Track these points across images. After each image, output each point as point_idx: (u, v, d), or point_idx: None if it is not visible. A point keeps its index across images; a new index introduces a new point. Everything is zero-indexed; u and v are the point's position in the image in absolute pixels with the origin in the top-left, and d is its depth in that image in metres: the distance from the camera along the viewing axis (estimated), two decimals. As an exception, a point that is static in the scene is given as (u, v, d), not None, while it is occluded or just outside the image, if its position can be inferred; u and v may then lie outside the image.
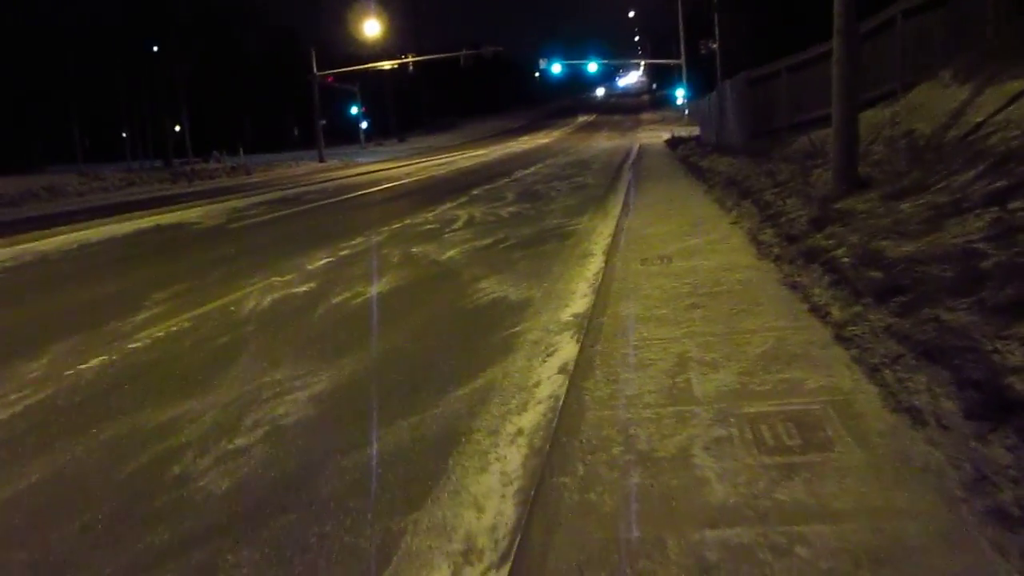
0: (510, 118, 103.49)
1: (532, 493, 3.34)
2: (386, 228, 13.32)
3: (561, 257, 9.56)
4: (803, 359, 4.53)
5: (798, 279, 6.36)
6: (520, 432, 4.14)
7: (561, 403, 4.34)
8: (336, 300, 7.89)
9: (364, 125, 77.64)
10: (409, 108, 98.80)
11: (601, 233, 11.23)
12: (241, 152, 59.78)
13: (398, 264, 9.81)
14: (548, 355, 5.54)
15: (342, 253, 10.89)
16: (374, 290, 8.25)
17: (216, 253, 11.93)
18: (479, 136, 75.26)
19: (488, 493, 3.49)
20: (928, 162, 7.80)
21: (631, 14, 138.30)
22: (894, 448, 3.34)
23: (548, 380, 4.96)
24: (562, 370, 5.07)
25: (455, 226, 13.13)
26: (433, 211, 15.62)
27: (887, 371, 4.06)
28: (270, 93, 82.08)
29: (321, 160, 52.76)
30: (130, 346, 6.51)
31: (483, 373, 5.23)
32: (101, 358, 6.17)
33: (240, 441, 4.33)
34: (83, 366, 5.98)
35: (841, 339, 4.75)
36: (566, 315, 6.64)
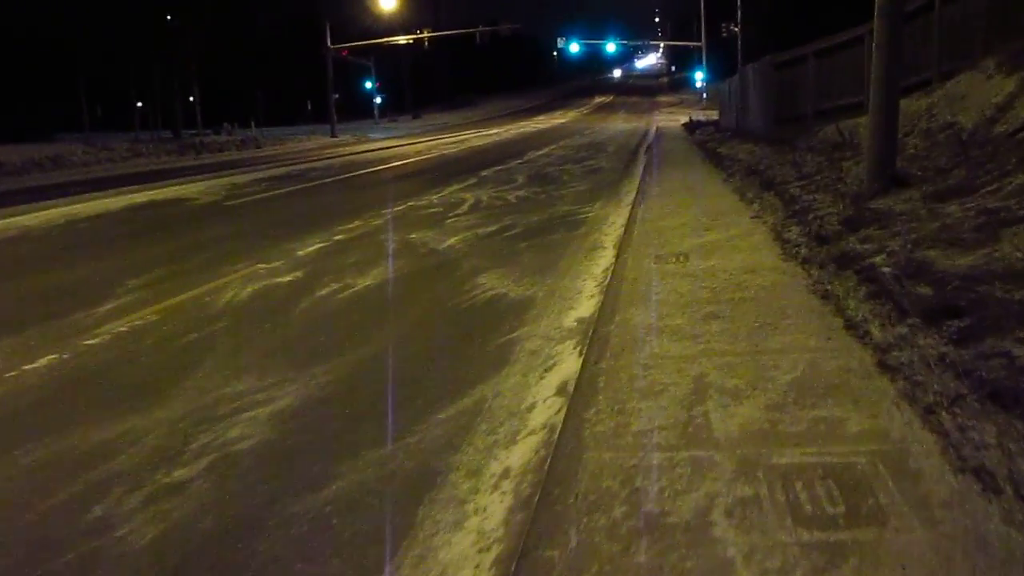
0: (527, 97, 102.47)
1: (512, 569, 2.69)
2: (387, 210, 12.67)
3: (569, 249, 8.90)
4: (842, 391, 3.87)
5: (830, 287, 5.68)
6: (506, 474, 3.50)
7: (556, 437, 3.69)
8: (321, 293, 7.25)
9: (378, 100, 76.88)
10: (425, 85, 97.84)
11: (613, 223, 10.56)
12: (253, 125, 59.24)
13: (394, 253, 9.17)
14: (547, 370, 4.90)
15: (337, 238, 10.26)
16: (364, 283, 7.61)
17: (205, 234, 11.30)
18: (495, 114, 74.39)
19: (459, 563, 2.85)
20: (974, 160, 7.10)
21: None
22: (964, 526, 2.68)
23: (544, 403, 4.31)
24: (561, 391, 4.43)
25: (460, 210, 12.47)
26: (439, 193, 14.95)
27: (945, 415, 3.39)
28: (285, 66, 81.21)
29: (333, 135, 52.09)
30: (86, 343, 5.89)
31: (471, 391, 4.59)
32: (51, 357, 5.54)
33: (180, 473, 3.70)
34: (29, 366, 5.36)
35: (885, 367, 4.07)
36: (570, 320, 5.99)
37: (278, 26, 77.79)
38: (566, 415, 3.92)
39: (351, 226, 11.16)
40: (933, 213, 6.02)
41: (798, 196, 9.12)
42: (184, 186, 19.03)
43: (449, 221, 11.41)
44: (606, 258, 8.22)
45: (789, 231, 7.85)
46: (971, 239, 5.07)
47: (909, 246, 5.39)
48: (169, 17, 61.21)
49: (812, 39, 17.62)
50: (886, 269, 5.25)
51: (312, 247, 9.61)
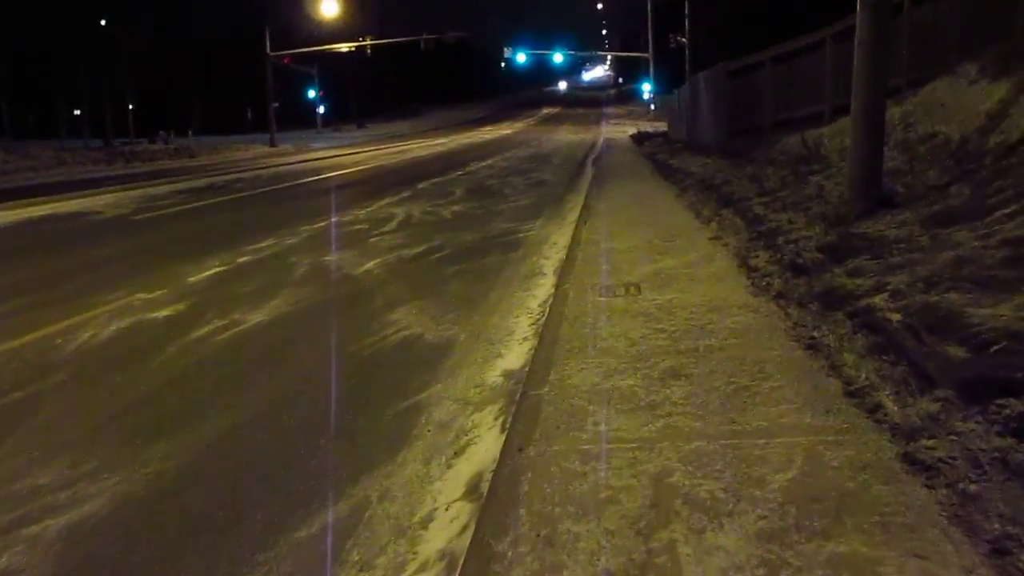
0: (474, 108, 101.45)
1: None
2: (307, 227, 11.38)
3: (503, 277, 7.72)
4: (863, 506, 2.72)
5: (817, 334, 4.56)
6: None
7: (454, 584, 2.49)
8: (198, 334, 5.97)
9: (321, 109, 75.18)
10: (372, 94, 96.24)
11: (555, 244, 9.42)
12: (189, 134, 57.33)
13: (301, 279, 7.90)
14: (456, 453, 3.72)
15: (241, 260, 8.97)
16: (254, 320, 6.33)
17: (93, 254, 9.93)
18: (441, 125, 73.11)
19: None
20: (974, 176, 6.05)
21: (599, 5, 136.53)
22: None
23: (445, 514, 3.13)
24: (471, 491, 3.27)
25: (387, 227, 11.23)
26: (368, 207, 13.70)
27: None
28: (226, 74, 79.21)
29: (272, 144, 50.39)
30: None
31: (351, 489, 3.38)
32: None
33: None
34: None
35: (916, 465, 2.94)
36: (495, 374, 4.81)
37: (219, 32, 75.78)
38: (470, 544, 2.72)
39: (261, 245, 9.86)
40: (939, 241, 4.94)
41: (763, 216, 8.04)
42: (95, 198, 17.52)
43: (373, 240, 10.17)
44: (544, 288, 7.06)
45: (756, 257, 6.76)
46: (1003, 278, 3.97)
47: (920, 285, 4.27)
48: (104, 22, 59.19)
49: (761, 48, 16.69)
50: (894, 315, 4.14)
51: (208, 271, 8.32)
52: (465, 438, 3.87)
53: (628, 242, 8.49)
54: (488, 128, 60.56)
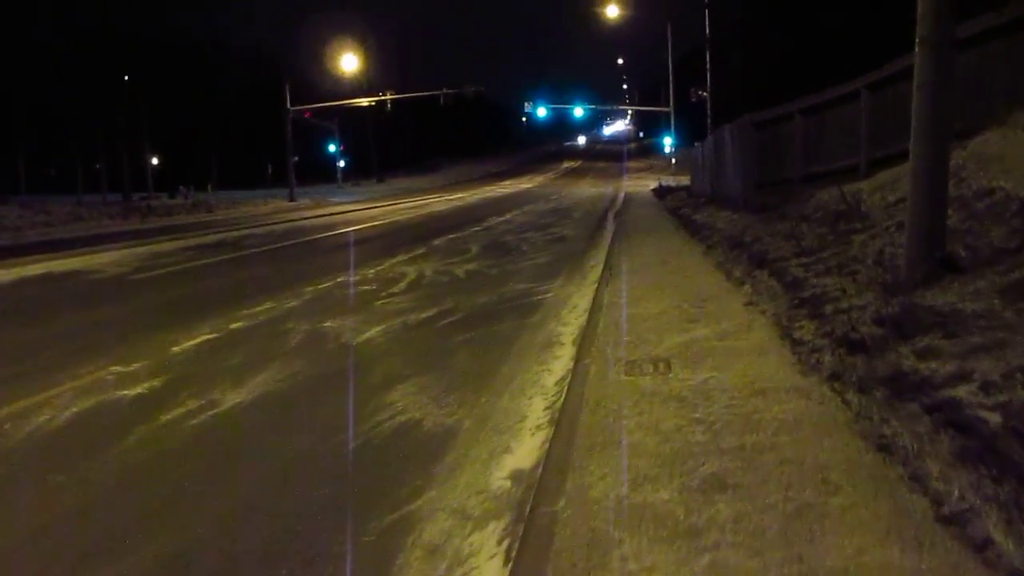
0: (495, 162, 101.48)
1: None
2: (310, 288, 10.70)
3: (516, 347, 6.97)
4: None
5: (888, 431, 3.79)
6: None
7: None
8: (168, 418, 5.24)
9: (342, 164, 75.25)
10: (392, 148, 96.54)
11: (575, 307, 8.69)
12: (209, 188, 57.38)
13: (295, 349, 7.19)
14: (448, 595, 2.94)
15: (235, 325, 8.28)
16: (233, 401, 5.60)
17: (78, 320, 9.26)
18: (462, 179, 72.93)
19: None
20: (1054, 237, 5.28)
21: (620, 61, 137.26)
22: None
23: None
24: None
25: (396, 288, 10.54)
26: (379, 265, 13.03)
27: None
28: (247, 129, 79.66)
29: (291, 199, 50.21)
30: None
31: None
32: None
33: None
34: None
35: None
36: (500, 478, 4.04)
37: (240, 87, 76.31)
38: None
39: (258, 309, 9.18)
40: (1028, 318, 4.16)
41: (803, 279, 7.28)
42: (100, 255, 16.97)
43: (379, 303, 9.47)
44: (562, 362, 6.30)
45: (800, 328, 5.99)
46: None
47: (1020, 376, 3.49)
48: (126, 77, 59.63)
49: (788, 100, 16.03)
50: (990, 415, 3.36)
51: (196, 339, 7.63)
52: (459, 570, 3.10)
53: (654, 307, 7.75)
54: (508, 182, 60.23)
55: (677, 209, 22.08)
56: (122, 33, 55.33)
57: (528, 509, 3.45)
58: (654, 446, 3.96)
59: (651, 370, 5.48)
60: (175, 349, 7.26)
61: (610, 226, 19.43)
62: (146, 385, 6.05)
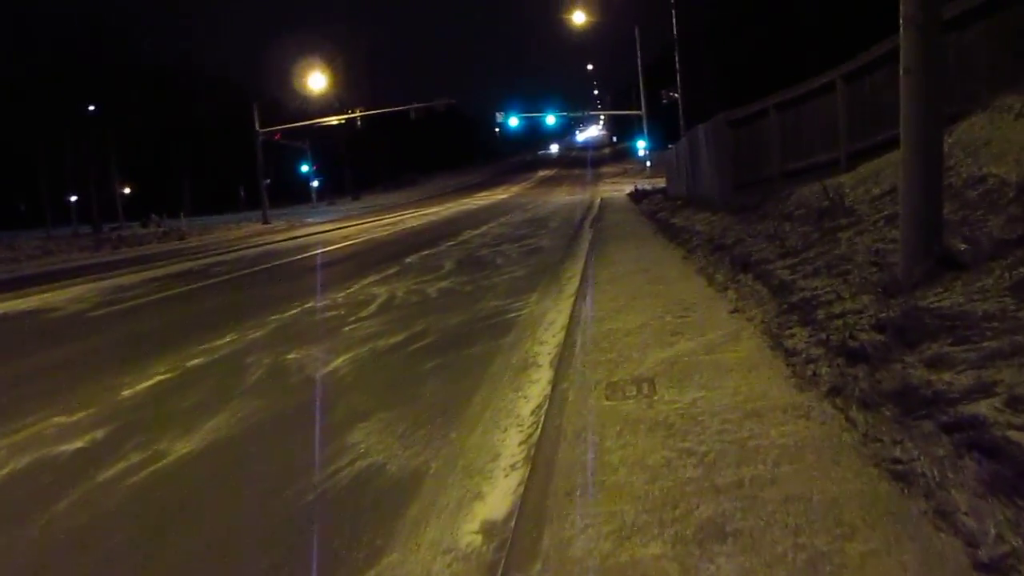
0: (470, 174, 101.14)
1: None
2: (276, 317, 10.22)
3: (490, 372, 6.52)
4: None
5: (902, 456, 3.36)
6: None
7: None
8: (104, 477, 4.76)
9: (315, 183, 74.70)
10: (366, 166, 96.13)
11: (552, 324, 8.26)
12: (181, 215, 56.67)
13: (252, 388, 6.71)
14: None
15: (191, 363, 7.80)
16: (182, 450, 5.13)
17: (26, 364, 8.74)
18: (437, 193, 72.43)
19: None
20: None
21: (589, 67, 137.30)
22: None
23: None
24: None
25: (366, 312, 10.07)
26: (350, 288, 12.55)
27: None
28: (218, 153, 78.93)
29: (265, 221, 49.65)
30: None
31: None
32: None
33: None
34: None
35: None
36: (470, 532, 3.59)
37: (210, 112, 75.61)
38: None
39: (219, 343, 8.69)
40: (1046, 319, 3.74)
41: (791, 282, 6.86)
42: (61, 291, 16.40)
43: (347, 329, 9.01)
44: (539, 387, 5.86)
45: (792, 336, 5.56)
46: None
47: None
48: (92, 107, 58.92)
49: (762, 97, 15.67)
50: (1021, 436, 2.93)
51: (148, 381, 7.14)
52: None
53: (635, 319, 7.31)
54: (484, 194, 59.81)
55: (654, 213, 21.71)
56: (86, 61, 54.61)
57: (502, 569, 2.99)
58: (641, 486, 3.51)
59: (634, 393, 5.03)
60: (125, 393, 6.77)
61: (587, 234, 19.02)
62: (88, 437, 5.56)
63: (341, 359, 7.43)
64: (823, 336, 5.14)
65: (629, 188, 39.09)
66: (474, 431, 5.02)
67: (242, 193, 72.25)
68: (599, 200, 34.97)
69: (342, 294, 11.96)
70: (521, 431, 4.92)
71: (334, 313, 10.23)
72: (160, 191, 73.92)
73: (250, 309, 11.17)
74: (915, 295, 4.84)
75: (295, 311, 10.63)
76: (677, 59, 39.94)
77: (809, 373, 4.79)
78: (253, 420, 5.70)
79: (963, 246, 5.49)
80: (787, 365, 5.10)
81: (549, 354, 6.90)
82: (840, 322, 5.15)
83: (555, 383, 5.61)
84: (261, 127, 53.42)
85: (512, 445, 4.68)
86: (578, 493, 3.53)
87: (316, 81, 60.82)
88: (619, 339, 6.57)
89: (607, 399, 4.96)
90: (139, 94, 62.31)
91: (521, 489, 3.86)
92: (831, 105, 12.26)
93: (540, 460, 4.07)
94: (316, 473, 4.47)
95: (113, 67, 57.77)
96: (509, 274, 12.83)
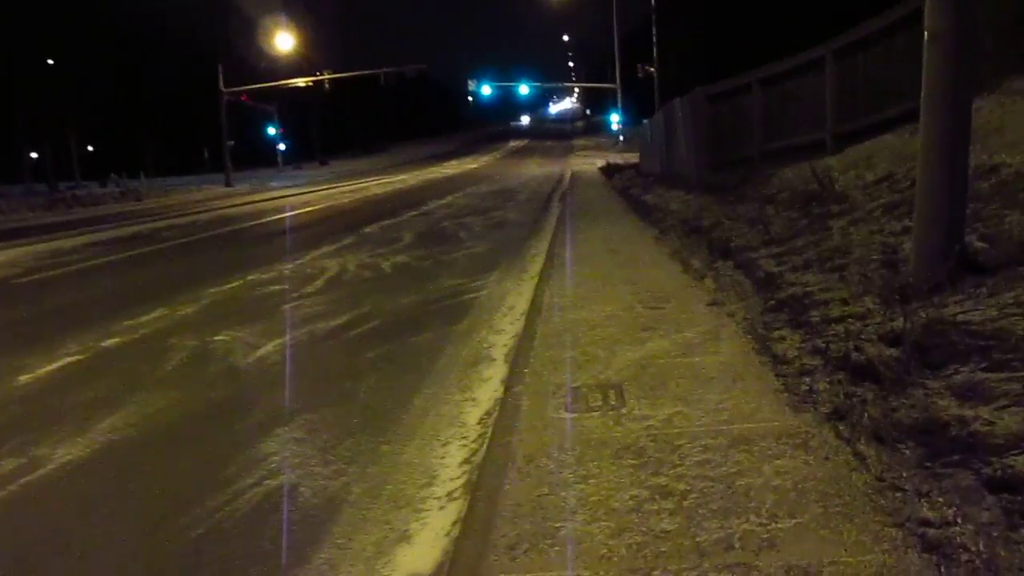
0: (441, 143, 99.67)
1: None
2: (214, 290, 9.41)
3: (437, 366, 5.77)
4: None
5: (932, 516, 2.66)
6: None
7: None
8: (-40, 489, 3.94)
9: (282, 147, 73.19)
10: (336, 131, 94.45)
11: (511, 309, 7.53)
12: (142, 176, 55.14)
13: (168, 377, 5.92)
14: None
15: (108, 343, 6.98)
16: (62, 458, 4.32)
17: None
18: (407, 160, 71.11)
19: None
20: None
21: (565, 38, 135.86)
22: None
23: None
24: None
25: (311, 288, 9.27)
26: (300, 259, 11.73)
27: None
28: (184, 113, 77.00)
29: (228, 184, 48.38)
30: None
31: None
32: None
33: None
34: None
35: None
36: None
37: (175, 71, 73.64)
38: None
39: (145, 319, 7.88)
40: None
41: (777, 275, 6.15)
42: (-5, 253, 15.39)
43: (288, 307, 8.22)
44: (491, 387, 5.12)
45: (782, 340, 4.86)
46: None
47: None
48: (51, 61, 57.04)
49: (743, 72, 14.91)
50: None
51: (55, 363, 6.32)
52: None
53: (603, 308, 6.58)
54: (454, 163, 58.74)
55: (626, 189, 20.97)
56: (42, 12, 52.75)
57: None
58: (604, 540, 2.78)
59: (599, 403, 4.30)
60: (22, 379, 5.94)
61: (555, 208, 18.27)
62: (-44, 436, 4.72)
63: (273, 344, 6.64)
64: (820, 343, 4.44)
65: (601, 162, 38.27)
66: (410, 443, 4.27)
67: (206, 155, 70.47)
68: (570, 173, 34.16)
69: (290, 266, 11.14)
70: (464, 446, 4.17)
71: (277, 288, 9.42)
72: (126, 151, 72.07)
73: (189, 280, 10.32)
74: (932, 302, 4.13)
75: (235, 284, 9.80)
76: (654, 30, 39.10)
77: (804, 388, 4.08)
78: (158, 420, 4.91)
79: (981, 245, 4.79)
80: (777, 376, 4.39)
81: (505, 346, 6.17)
82: (841, 328, 4.44)
83: (508, 385, 4.86)
84: (226, 87, 51.95)
85: (452, 465, 3.93)
86: (524, 548, 2.79)
87: (284, 41, 59.29)
88: (584, 332, 5.84)
89: (566, 411, 4.22)
90: (100, 49, 60.35)
91: (456, 531, 3.12)
92: (819, 83, 11.54)
93: (482, 494, 3.33)
94: (213, 497, 3.69)
95: (72, 19, 55.80)
96: (470, 249, 12.06)
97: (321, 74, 56.26)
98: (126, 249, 14.97)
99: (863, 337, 4.16)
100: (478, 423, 4.49)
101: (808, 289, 5.42)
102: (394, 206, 21.87)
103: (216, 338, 6.95)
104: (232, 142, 52.45)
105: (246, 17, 64.57)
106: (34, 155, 61.91)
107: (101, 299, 9.66)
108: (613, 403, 4.27)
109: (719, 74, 16.48)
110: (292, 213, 22.24)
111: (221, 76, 50.10)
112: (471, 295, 8.37)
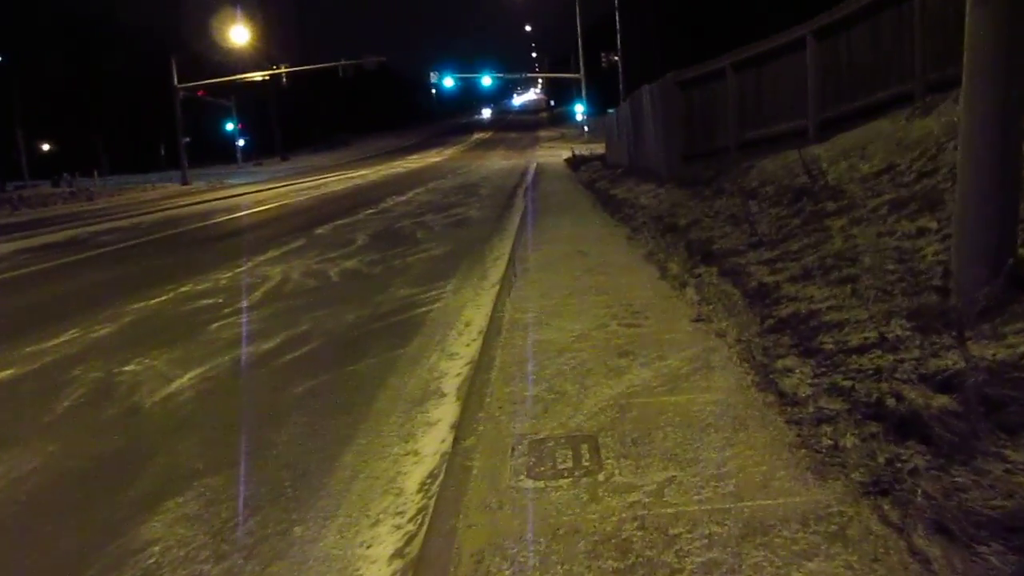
0: (405, 136, 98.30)
1: None
2: (138, 306, 8.44)
3: (376, 406, 4.85)
4: None
5: None
6: None
7: None
8: None
9: (241, 143, 71.62)
10: (297, 125, 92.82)
11: (468, 325, 6.64)
12: (96, 174, 53.53)
13: (56, 420, 4.97)
14: None
15: (-2, 376, 5.97)
16: None
17: None
18: (369, 155, 69.75)
19: None
20: None
21: (527, 28, 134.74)
22: None
23: None
24: None
25: (247, 301, 8.33)
26: (241, 266, 10.77)
27: None
28: (140, 109, 75.21)
29: (184, 182, 47.02)
30: None
31: None
32: None
33: None
34: None
35: None
36: None
37: (130, 66, 71.85)
38: None
39: (52, 343, 6.91)
40: None
41: (773, 286, 5.29)
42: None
43: (215, 327, 7.25)
44: (437, 435, 4.23)
45: (788, 372, 4.00)
46: None
47: None
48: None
49: (714, 59, 14.08)
50: None
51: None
52: None
53: (572, 326, 5.71)
54: (416, 156, 57.60)
55: (593, 183, 20.12)
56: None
57: None
58: None
59: (569, 463, 3.42)
60: None
61: (519, 204, 17.37)
62: None
63: (189, 376, 5.69)
64: (840, 380, 3.58)
65: (566, 154, 37.37)
66: (332, 523, 3.35)
67: (162, 152, 68.72)
68: (535, 166, 33.24)
69: (228, 274, 10.16)
70: (398, 527, 3.28)
71: (209, 302, 8.45)
72: (83, 149, 70.26)
73: (114, 294, 9.31)
74: (984, 331, 3.27)
75: (164, 297, 8.83)
76: (618, 18, 38.22)
77: (826, 442, 3.23)
78: (22, 486, 3.96)
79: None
80: (789, 423, 3.53)
81: (458, 375, 5.27)
82: (865, 361, 3.58)
83: (459, 434, 3.96)
84: (181, 82, 50.46)
85: (380, 559, 3.03)
86: None
87: (240, 35, 57.75)
88: (551, 359, 4.95)
89: (527, 478, 3.33)
90: (50, 42, 58.65)
91: None
92: (799, 65, 10.71)
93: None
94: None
95: (18, 11, 54.11)
96: (427, 252, 11.13)
97: (278, 67, 54.94)
98: (56, 257, 13.85)
99: (899, 377, 3.31)
100: (418, 490, 3.59)
101: (814, 306, 4.56)
102: (351, 204, 20.86)
103: (125, 368, 6.00)
104: (188, 139, 50.93)
105: (200, 10, 62.98)
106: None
107: (6, 318, 8.62)
108: (586, 464, 3.39)
109: (687, 63, 15.62)
110: (243, 213, 21.18)
111: (175, 71, 48.60)
112: (423, 308, 7.46)
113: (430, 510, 3.26)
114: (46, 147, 73.09)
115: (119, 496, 3.76)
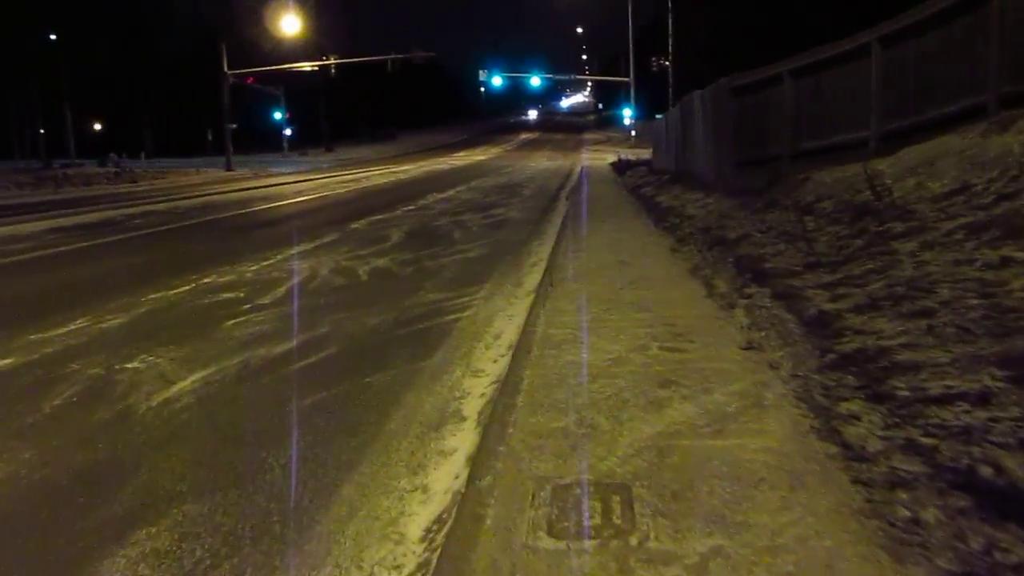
0: (451, 133, 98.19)
1: None
2: (156, 295, 8.09)
3: (389, 427, 4.38)
4: None
5: None
6: None
7: None
8: None
9: (288, 132, 71.77)
10: (344, 117, 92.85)
11: (497, 338, 6.19)
12: (142, 155, 53.83)
13: (43, 420, 4.58)
14: None
15: (-7, 367, 5.60)
16: None
17: None
18: (414, 149, 69.66)
19: None
20: None
21: (579, 30, 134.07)
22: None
23: None
24: None
25: (268, 297, 7.94)
26: (268, 258, 10.39)
27: None
28: (190, 94, 75.62)
29: (229, 168, 47.07)
30: None
31: None
32: None
33: None
34: None
35: None
36: None
37: (182, 50, 72.25)
38: None
39: (59, 332, 6.57)
40: None
41: (834, 315, 4.75)
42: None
43: (232, 323, 6.85)
44: (450, 472, 3.76)
45: (854, 420, 3.53)
46: None
47: None
48: (52, 36, 55.84)
49: (752, 67, 13.49)
50: None
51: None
52: None
53: (609, 347, 5.22)
54: (462, 154, 57.33)
55: (638, 188, 19.56)
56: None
57: None
58: None
59: (598, 520, 2.93)
60: None
61: (562, 207, 16.88)
62: None
63: (192, 379, 5.27)
64: (918, 436, 3.06)
65: (612, 157, 36.80)
66: (318, 573, 2.88)
67: (209, 137, 68.99)
68: (580, 168, 32.73)
69: (255, 267, 9.77)
70: (395, 587, 2.80)
71: (229, 295, 8.06)
72: (130, 130, 70.88)
73: (133, 281, 8.98)
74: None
75: (184, 288, 8.46)
76: (671, 23, 37.58)
77: (902, 514, 2.71)
78: (-12, 506, 3.53)
79: None
80: (855, 483, 3.01)
81: (482, 396, 4.79)
82: (949, 416, 3.06)
83: (474, 471, 3.48)
84: (230, 69, 50.56)
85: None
86: None
87: (291, 24, 57.83)
88: (583, 386, 4.46)
89: (548, 531, 2.84)
90: (102, 24, 59.10)
91: None
92: (862, 73, 10.11)
93: None
94: None
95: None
96: (462, 254, 10.68)
97: (327, 59, 54.88)
98: (85, 238, 13.59)
99: (993, 440, 2.78)
100: (422, 538, 3.12)
101: (884, 342, 4.02)
102: (391, 199, 20.50)
103: (128, 365, 5.60)
104: (235, 125, 51.03)
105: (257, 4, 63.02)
106: (41, 131, 60.65)
107: (21, 303, 8.29)
108: (617, 521, 2.90)
109: (738, 69, 15.02)
110: (282, 203, 20.90)
111: (225, 57, 48.66)
112: (452, 316, 7.00)
113: (431, 568, 2.78)
114: (97, 127, 73.82)
115: (86, 520, 3.33)
